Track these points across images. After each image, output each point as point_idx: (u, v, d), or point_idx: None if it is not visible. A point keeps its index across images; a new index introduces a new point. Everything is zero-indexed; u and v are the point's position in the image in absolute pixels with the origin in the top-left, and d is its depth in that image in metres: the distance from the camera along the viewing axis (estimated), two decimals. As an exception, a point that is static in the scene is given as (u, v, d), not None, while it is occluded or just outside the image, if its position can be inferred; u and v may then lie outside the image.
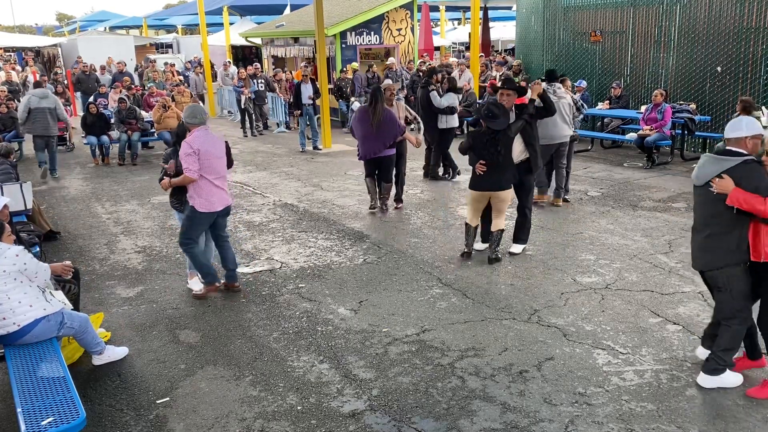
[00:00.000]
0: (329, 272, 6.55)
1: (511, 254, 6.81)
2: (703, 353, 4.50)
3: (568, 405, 4.08)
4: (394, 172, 8.73)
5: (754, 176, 3.93)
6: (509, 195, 6.54)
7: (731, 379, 4.23)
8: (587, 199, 9.05)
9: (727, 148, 4.09)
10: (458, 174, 10.42)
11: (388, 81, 9.82)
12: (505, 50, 26.92)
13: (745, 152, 4.00)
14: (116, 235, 8.10)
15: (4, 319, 4.22)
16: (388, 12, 17.40)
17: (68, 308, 4.66)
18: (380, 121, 8.09)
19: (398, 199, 8.93)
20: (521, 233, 6.94)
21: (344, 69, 17.03)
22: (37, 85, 14.10)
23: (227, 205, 5.91)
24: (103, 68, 20.51)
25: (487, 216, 6.77)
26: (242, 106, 16.04)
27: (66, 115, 12.61)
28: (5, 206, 5.07)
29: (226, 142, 5.96)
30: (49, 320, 4.34)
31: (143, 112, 13.97)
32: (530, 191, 6.93)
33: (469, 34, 21.08)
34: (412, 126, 9.03)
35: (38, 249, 6.35)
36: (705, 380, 4.24)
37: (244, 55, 27.82)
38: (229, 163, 6.00)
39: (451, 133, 10.14)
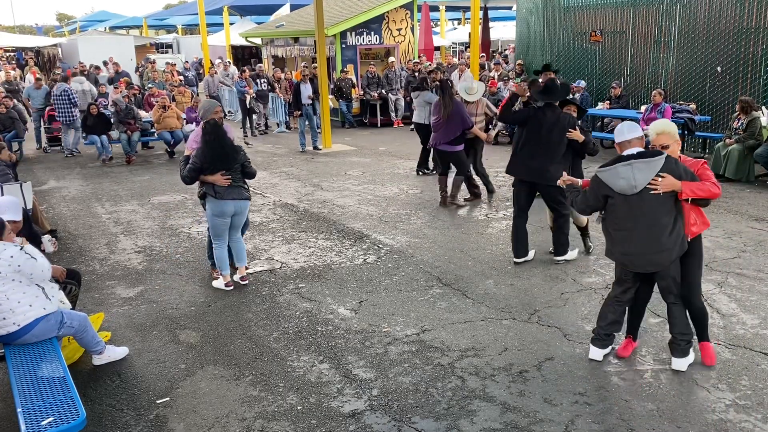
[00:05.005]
0: (329, 272, 6.55)
1: None
2: (597, 353, 4.62)
3: (568, 405, 4.08)
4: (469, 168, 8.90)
5: (681, 167, 4.15)
6: None
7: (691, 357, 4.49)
8: (587, 199, 9.03)
9: (637, 150, 4.20)
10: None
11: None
12: (504, 50, 26.89)
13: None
14: (116, 235, 8.10)
15: (3, 319, 4.21)
16: (388, 12, 17.40)
17: (67, 308, 4.65)
18: (450, 114, 8.35)
19: (454, 195, 8.96)
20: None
21: (344, 69, 17.04)
22: (74, 74, 16.53)
23: None
24: (98, 68, 20.39)
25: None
26: (248, 106, 16.04)
27: (96, 91, 15.03)
28: (14, 222, 4.69)
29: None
30: (48, 320, 4.33)
31: (142, 112, 13.98)
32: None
33: (469, 34, 21.09)
34: (494, 122, 9.18)
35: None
36: (680, 363, 4.43)
37: (243, 56, 27.83)
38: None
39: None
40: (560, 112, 6.30)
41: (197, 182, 5.91)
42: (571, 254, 6.62)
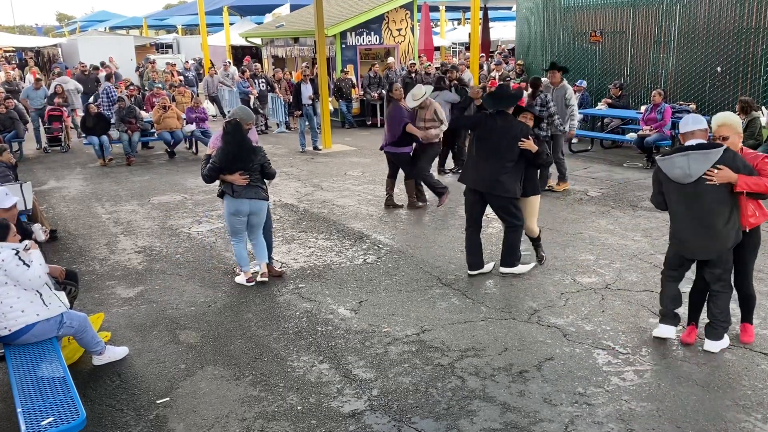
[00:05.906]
0: (329, 272, 6.55)
1: None
2: (666, 331, 4.83)
3: (568, 405, 4.08)
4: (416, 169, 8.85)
5: (739, 159, 4.30)
6: None
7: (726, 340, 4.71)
8: (587, 199, 9.05)
9: (697, 141, 4.38)
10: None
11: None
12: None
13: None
14: (116, 235, 8.10)
15: None
16: (388, 12, 17.40)
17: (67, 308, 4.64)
18: (386, 116, 8.67)
19: (418, 197, 8.97)
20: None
21: (344, 69, 17.04)
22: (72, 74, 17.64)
23: None
24: (94, 68, 20.33)
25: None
26: (251, 106, 16.03)
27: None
28: (14, 206, 5.00)
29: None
30: (48, 320, 4.33)
31: (143, 112, 13.98)
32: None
33: (469, 34, 21.09)
34: (441, 127, 9.01)
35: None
36: (714, 346, 4.63)
37: (243, 56, 27.78)
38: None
39: None
40: (512, 120, 6.01)
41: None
42: (524, 267, 6.29)
